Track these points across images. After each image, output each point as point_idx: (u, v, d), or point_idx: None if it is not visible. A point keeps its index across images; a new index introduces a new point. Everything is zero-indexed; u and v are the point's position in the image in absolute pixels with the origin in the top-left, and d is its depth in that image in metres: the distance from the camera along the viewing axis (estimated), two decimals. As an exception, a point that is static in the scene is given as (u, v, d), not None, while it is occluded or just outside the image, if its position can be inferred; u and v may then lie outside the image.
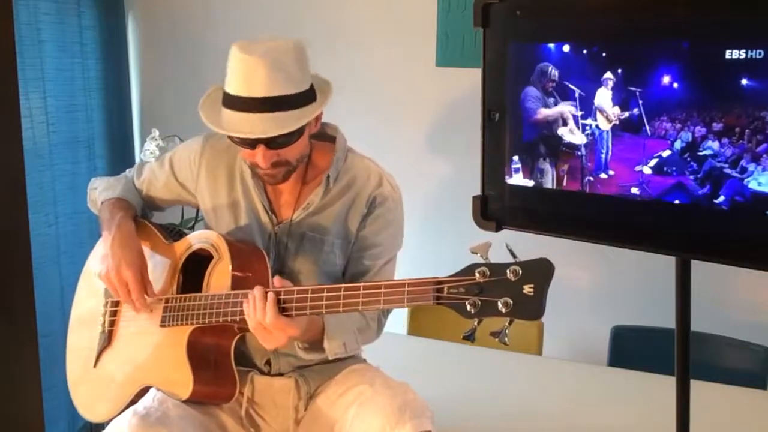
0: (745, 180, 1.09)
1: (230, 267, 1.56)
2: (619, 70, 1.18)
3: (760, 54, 1.05)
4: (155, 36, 3.16)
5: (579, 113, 1.24)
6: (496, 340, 1.26)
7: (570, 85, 1.24)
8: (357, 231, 1.69)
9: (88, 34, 2.90)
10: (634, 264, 2.57)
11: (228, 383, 1.61)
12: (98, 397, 1.73)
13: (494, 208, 1.37)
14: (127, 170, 1.89)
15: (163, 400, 1.58)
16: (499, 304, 1.24)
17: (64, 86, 2.80)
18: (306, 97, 1.54)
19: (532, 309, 1.23)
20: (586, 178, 1.26)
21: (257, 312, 1.44)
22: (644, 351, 2.29)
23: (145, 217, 1.84)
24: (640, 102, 1.17)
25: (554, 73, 1.26)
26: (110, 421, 1.58)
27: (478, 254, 1.29)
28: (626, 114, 1.19)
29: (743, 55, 1.06)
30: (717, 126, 1.10)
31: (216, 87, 1.60)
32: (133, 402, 1.62)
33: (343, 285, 1.42)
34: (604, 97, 1.21)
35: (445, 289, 1.30)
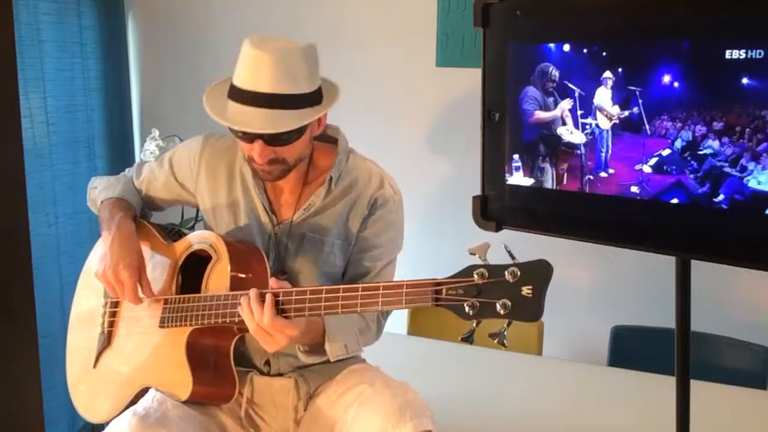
0: (745, 179, 1.09)
1: (229, 268, 1.56)
2: (619, 70, 1.18)
3: (760, 54, 1.05)
4: (155, 36, 3.16)
5: (579, 112, 1.24)
6: (495, 341, 1.26)
7: (570, 85, 1.24)
8: (357, 232, 1.68)
9: (88, 34, 2.90)
10: (634, 264, 2.57)
11: (227, 384, 1.61)
12: (98, 398, 1.73)
13: (494, 208, 1.36)
14: (127, 170, 1.89)
15: (162, 400, 1.58)
16: (498, 306, 1.24)
17: (64, 86, 2.81)
18: (310, 99, 1.54)
19: (530, 310, 1.23)
20: (586, 177, 1.26)
21: (255, 314, 1.44)
22: (644, 351, 2.29)
23: (144, 217, 1.84)
24: (640, 101, 1.17)
25: (554, 73, 1.26)
26: (110, 421, 1.58)
27: (477, 255, 1.28)
28: (626, 113, 1.19)
29: (743, 55, 1.06)
30: (717, 125, 1.10)
31: (226, 78, 1.60)
32: (133, 402, 1.62)
33: (341, 286, 1.42)
34: (603, 96, 1.21)
35: (444, 291, 1.29)
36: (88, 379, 1.76)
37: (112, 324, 1.76)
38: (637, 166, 1.20)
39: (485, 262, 1.28)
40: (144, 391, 1.64)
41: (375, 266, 1.70)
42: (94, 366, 1.75)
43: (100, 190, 1.82)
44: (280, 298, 1.45)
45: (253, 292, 1.46)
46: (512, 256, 1.27)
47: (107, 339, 1.75)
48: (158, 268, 1.71)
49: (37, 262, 2.26)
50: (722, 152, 1.11)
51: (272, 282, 1.49)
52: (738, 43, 1.06)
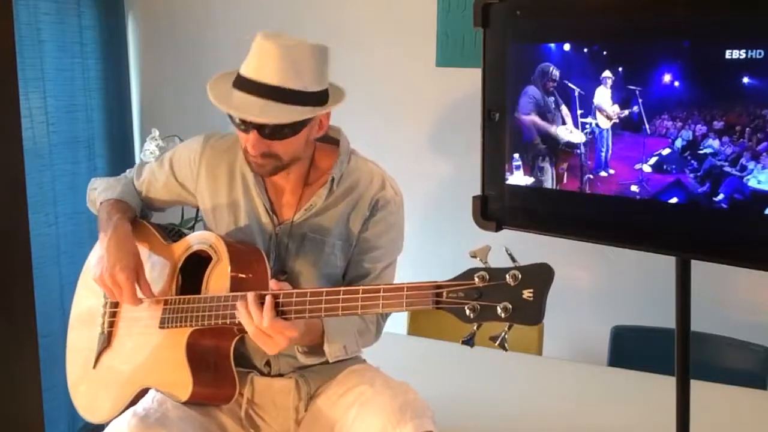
0: (745, 178, 1.09)
1: (229, 269, 1.56)
2: (619, 69, 1.18)
3: (760, 54, 1.05)
4: (155, 36, 3.16)
5: (579, 111, 1.24)
6: (496, 345, 1.26)
7: (570, 84, 1.24)
8: (358, 233, 1.68)
9: (88, 34, 2.90)
10: (634, 264, 2.57)
11: (227, 384, 1.61)
12: (98, 398, 1.73)
13: (494, 208, 1.36)
14: (128, 170, 1.89)
15: (162, 401, 1.58)
16: (499, 309, 1.24)
17: (64, 86, 2.81)
18: (312, 98, 1.54)
19: (531, 314, 1.23)
20: (586, 176, 1.26)
21: (254, 317, 1.44)
22: (644, 351, 2.29)
23: (144, 217, 1.84)
24: (640, 101, 1.17)
25: (555, 73, 1.26)
26: (110, 421, 1.58)
27: (478, 258, 1.28)
28: (626, 112, 1.19)
29: (743, 55, 1.06)
30: (718, 124, 1.10)
31: (235, 69, 1.60)
32: (133, 403, 1.62)
33: (342, 288, 1.41)
34: (603, 95, 1.21)
35: (444, 294, 1.29)
36: (88, 379, 1.76)
37: (112, 324, 1.76)
38: (637, 166, 1.20)
39: (486, 264, 1.28)
40: (144, 392, 1.64)
41: (375, 268, 1.70)
42: (94, 366, 1.75)
43: (100, 191, 1.82)
44: (280, 300, 1.45)
45: (251, 295, 1.45)
46: (513, 259, 1.27)
47: (107, 339, 1.75)
48: (158, 268, 1.71)
49: (37, 262, 2.25)
50: (722, 151, 1.11)
51: (272, 284, 1.49)
52: (738, 43, 1.06)
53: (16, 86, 1.85)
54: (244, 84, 1.53)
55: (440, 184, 2.81)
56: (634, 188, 1.21)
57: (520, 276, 1.24)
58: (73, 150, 2.86)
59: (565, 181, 1.29)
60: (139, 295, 1.63)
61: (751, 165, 1.08)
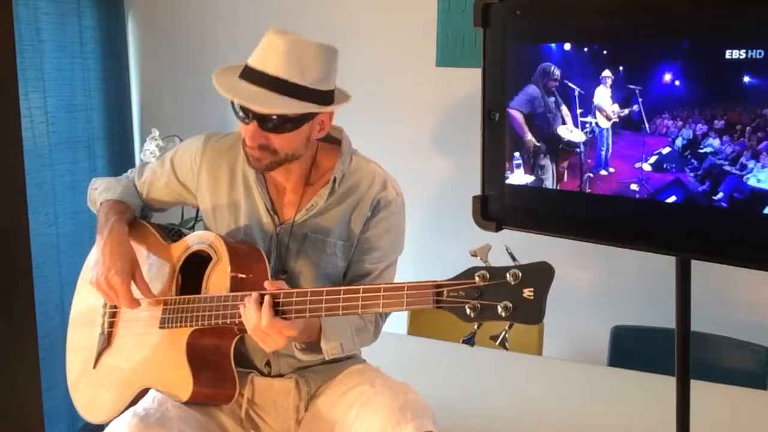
0: (745, 177, 1.09)
1: (229, 268, 1.56)
2: (620, 69, 1.18)
3: (760, 54, 1.05)
4: (155, 36, 3.16)
5: (579, 110, 1.24)
6: (497, 344, 1.26)
7: (570, 84, 1.24)
8: (360, 233, 1.68)
9: (88, 34, 2.90)
10: (634, 264, 2.57)
11: (228, 384, 1.61)
12: (98, 398, 1.73)
13: (494, 208, 1.36)
14: (129, 170, 1.89)
15: (162, 401, 1.58)
16: (499, 308, 1.24)
17: (64, 86, 2.81)
18: (314, 96, 1.54)
19: (531, 313, 1.23)
20: (586, 175, 1.26)
21: (253, 316, 1.44)
22: (644, 351, 2.29)
23: (144, 217, 1.84)
24: (640, 100, 1.17)
25: (556, 72, 1.26)
26: (110, 422, 1.58)
27: (478, 257, 1.28)
28: (626, 111, 1.19)
29: (743, 55, 1.06)
30: (718, 123, 1.10)
31: (244, 62, 1.60)
32: (133, 403, 1.62)
33: (342, 288, 1.42)
34: (602, 95, 1.21)
35: (445, 293, 1.29)
36: (88, 379, 1.76)
37: (112, 324, 1.76)
38: (637, 165, 1.20)
39: (486, 263, 1.28)
40: (144, 392, 1.64)
41: (376, 268, 1.70)
42: (94, 366, 1.75)
43: (100, 191, 1.82)
44: (281, 300, 1.45)
45: (251, 295, 1.46)
46: (513, 258, 1.27)
47: (107, 339, 1.75)
48: (158, 268, 1.71)
49: (37, 262, 2.26)
50: (722, 150, 1.11)
51: (267, 284, 1.49)
52: (738, 43, 1.06)
53: (16, 86, 1.84)
54: (248, 74, 1.54)
55: (440, 184, 2.81)
56: (633, 187, 1.21)
57: (520, 275, 1.24)
58: (73, 150, 2.86)
59: (565, 179, 1.29)
60: (137, 296, 1.63)
61: (751, 164, 1.08)
